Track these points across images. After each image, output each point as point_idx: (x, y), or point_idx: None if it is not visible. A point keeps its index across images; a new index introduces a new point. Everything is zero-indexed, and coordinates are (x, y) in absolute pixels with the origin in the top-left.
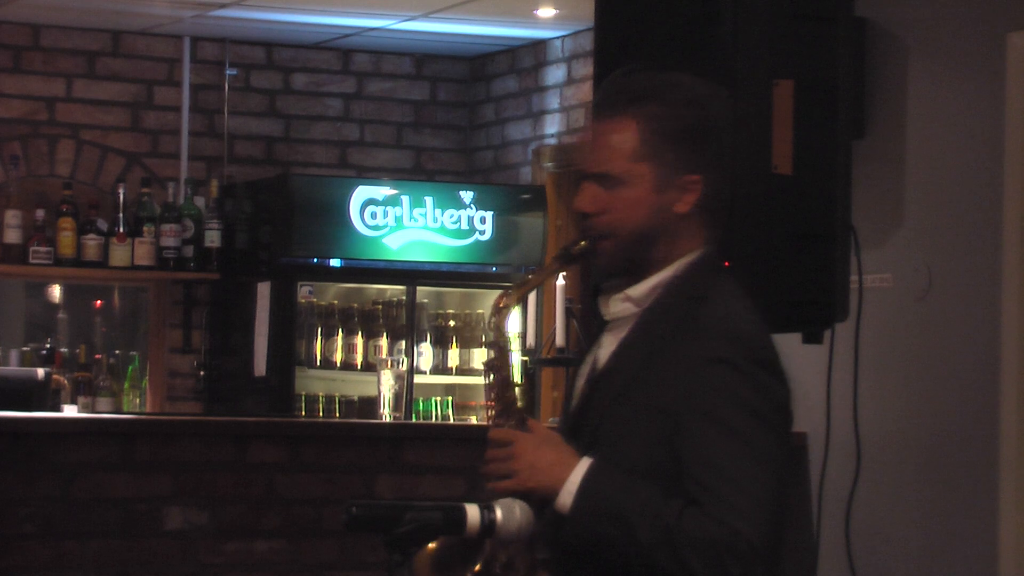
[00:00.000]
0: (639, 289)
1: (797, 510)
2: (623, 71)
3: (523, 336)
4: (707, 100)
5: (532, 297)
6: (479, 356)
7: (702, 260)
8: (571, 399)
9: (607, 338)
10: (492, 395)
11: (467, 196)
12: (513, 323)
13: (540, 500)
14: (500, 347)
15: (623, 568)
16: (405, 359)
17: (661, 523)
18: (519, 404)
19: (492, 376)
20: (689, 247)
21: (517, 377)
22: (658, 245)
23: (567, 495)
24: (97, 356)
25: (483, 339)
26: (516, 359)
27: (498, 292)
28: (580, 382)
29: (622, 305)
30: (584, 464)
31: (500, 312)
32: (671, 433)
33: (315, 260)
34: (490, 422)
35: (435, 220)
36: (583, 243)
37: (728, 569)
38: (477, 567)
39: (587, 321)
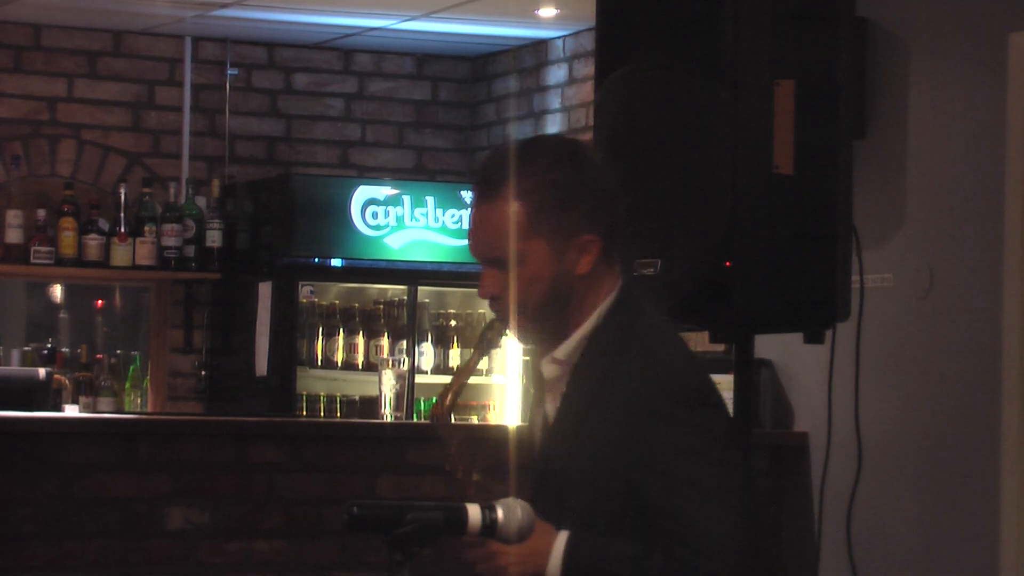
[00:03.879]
0: (564, 349)
1: (798, 510)
2: (624, 72)
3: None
4: (581, 164)
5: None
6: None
7: (616, 303)
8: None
9: (549, 396)
10: (465, 486)
11: (468, 196)
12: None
13: None
14: (454, 442)
15: None
16: (406, 359)
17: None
18: (487, 492)
19: (457, 470)
20: (603, 295)
21: (475, 466)
22: (570, 308)
23: (554, 569)
24: (98, 356)
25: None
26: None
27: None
28: (537, 436)
29: (551, 368)
30: (561, 540)
31: (444, 413)
32: (622, 490)
33: (316, 260)
34: (469, 498)
35: (436, 220)
36: (496, 326)
37: None
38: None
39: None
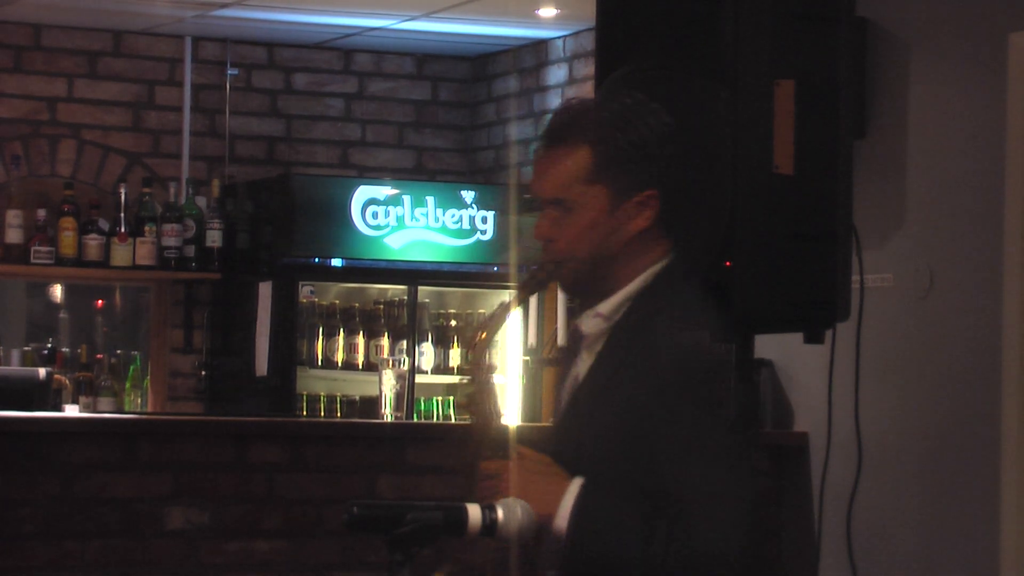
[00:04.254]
0: (608, 305)
1: (798, 510)
2: (625, 71)
3: (524, 336)
4: (649, 118)
5: (532, 298)
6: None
7: (666, 271)
8: (557, 412)
9: (584, 354)
10: (478, 428)
11: (468, 196)
12: (513, 323)
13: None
14: (481, 382)
15: None
16: (406, 359)
17: (652, 542)
18: (506, 433)
19: (475, 410)
20: (654, 258)
21: (501, 405)
22: (620, 263)
23: (561, 519)
24: (98, 356)
25: (461, 374)
26: (498, 379)
27: (505, 290)
28: (563, 396)
29: (593, 321)
30: (574, 487)
31: (477, 346)
32: (637, 452)
33: (316, 260)
34: (479, 454)
35: (436, 220)
36: (546, 269)
37: None
38: None
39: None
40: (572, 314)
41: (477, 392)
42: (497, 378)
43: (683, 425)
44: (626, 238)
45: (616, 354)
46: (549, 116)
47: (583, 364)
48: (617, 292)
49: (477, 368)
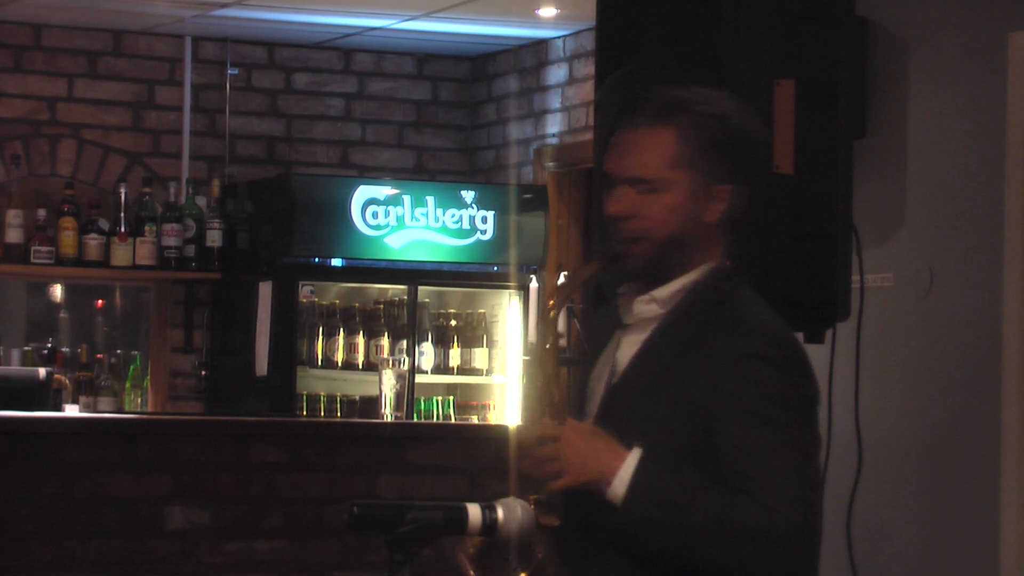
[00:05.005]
0: (665, 291)
1: None
2: (625, 71)
3: (524, 335)
4: (739, 114)
5: (532, 297)
6: (480, 356)
7: (724, 267)
8: (586, 402)
9: (627, 340)
10: (534, 392)
11: (468, 196)
12: (513, 322)
13: (573, 501)
14: (549, 346)
15: (661, 566)
16: (406, 359)
17: (712, 511)
18: (563, 401)
19: (537, 373)
20: (712, 254)
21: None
22: (686, 251)
23: (620, 484)
24: (98, 356)
25: (530, 339)
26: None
27: (504, 290)
28: (597, 385)
29: (647, 307)
30: (635, 454)
31: (548, 312)
32: (702, 428)
33: (316, 260)
34: (530, 420)
35: (436, 220)
36: (620, 245)
37: (779, 557)
38: (523, 574)
39: (587, 322)
40: (571, 314)
41: (542, 355)
42: (496, 378)
43: (757, 393)
44: (696, 228)
45: (674, 340)
46: (627, 87)
47: (624, 351)
48: (673, 280)
49: (548, 331)
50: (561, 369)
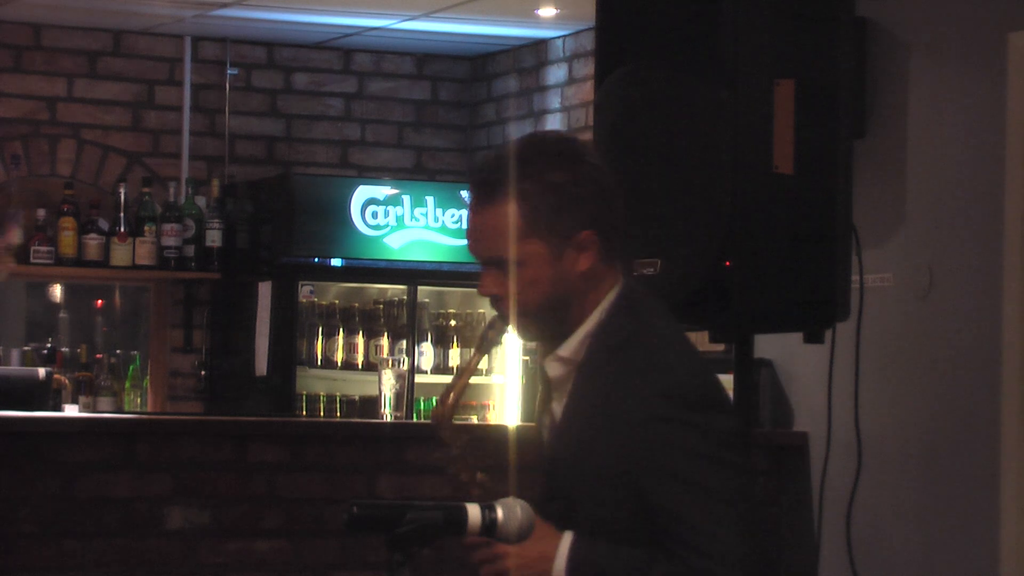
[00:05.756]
0: (568, 348)
1: (797, 509)
2: (625, 71)
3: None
4: (573, 157)
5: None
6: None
7: (620, 299)
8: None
9: (556, 395)
10: (469, 488)
11: (467, 196)
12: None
13: None
14: (457, 444)
15: None
16: (406, 359)
17: (651, 572)
18: (491, 493)
19: (461, 473)
20: (604, 291)
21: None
22: (572, 305)
23: (558, 573)
24: (98, 356)
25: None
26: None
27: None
28: (545, 435)
29: (555, 365)
30: (566, 543)
31: (446, 415)
32: (633, 494)
33: (316, 260)
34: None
35: (436, 220)
36: (498, 325)
37: None
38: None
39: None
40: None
41: (457, 457)
42: (496, 378)
43: (674, 455)
44: (572, 283)
45: (587, 396)
46: (474, 172)
47: (556, 405)
48: (575, 332)
49: (451, 435)
50: (474, 435)
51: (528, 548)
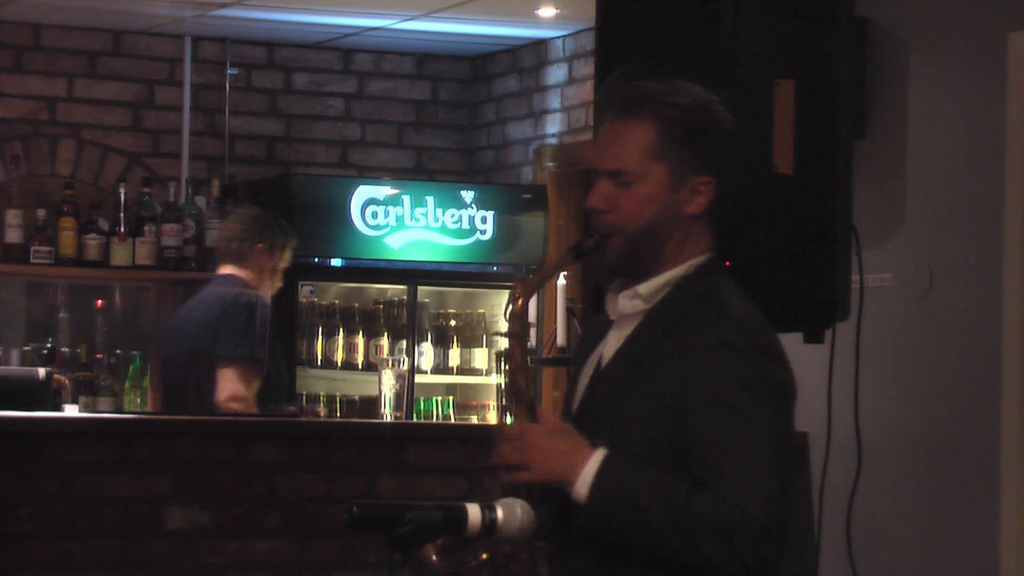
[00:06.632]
0: (649, 286)
1: (798, 509)
2: (625, 71)
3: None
4: (717, 106)
5: (533, 297)
6: (480, 356)
7: (709, 263)
8: (573, 396)
9: (613, 335)
10: (505, 383)
11: (468, 196)
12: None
13: (551, 489)
14: (516, 337)
15: (629, 554)
16: (406, 359)
17: (672, 506)
18: (530, 393)
19: (506, 364)
20: (698, 249)
21: (528, 368)
22: (667, 244)
23: (583, 485)
24: (98, 356)
25: (499, 331)
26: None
27: (504, 290)
28: (583, 380)
29: (631, 302)
30: (599, 455)
31: (517, 302)
32: (674, 419)
33: (316, 260)
34: (502, 409)
35: (436, 220)
36: (595, 238)
37: (738, 549)
38: (484, 555)
39: (587, 320)
40: (571, 314)
41: (512, 347)
42: (496, 378)
43: (728, 383)
44: (676, 220)
45: (653, 333)
46: (611, 84)
47: (610, 346)
48: (658, 274)
49: (515, 322)
50: (527, 360)
51: (560, 441)
